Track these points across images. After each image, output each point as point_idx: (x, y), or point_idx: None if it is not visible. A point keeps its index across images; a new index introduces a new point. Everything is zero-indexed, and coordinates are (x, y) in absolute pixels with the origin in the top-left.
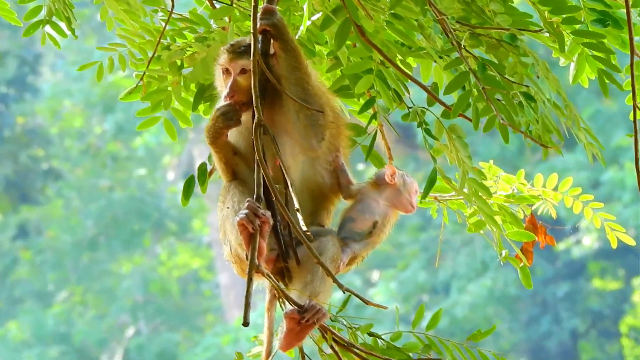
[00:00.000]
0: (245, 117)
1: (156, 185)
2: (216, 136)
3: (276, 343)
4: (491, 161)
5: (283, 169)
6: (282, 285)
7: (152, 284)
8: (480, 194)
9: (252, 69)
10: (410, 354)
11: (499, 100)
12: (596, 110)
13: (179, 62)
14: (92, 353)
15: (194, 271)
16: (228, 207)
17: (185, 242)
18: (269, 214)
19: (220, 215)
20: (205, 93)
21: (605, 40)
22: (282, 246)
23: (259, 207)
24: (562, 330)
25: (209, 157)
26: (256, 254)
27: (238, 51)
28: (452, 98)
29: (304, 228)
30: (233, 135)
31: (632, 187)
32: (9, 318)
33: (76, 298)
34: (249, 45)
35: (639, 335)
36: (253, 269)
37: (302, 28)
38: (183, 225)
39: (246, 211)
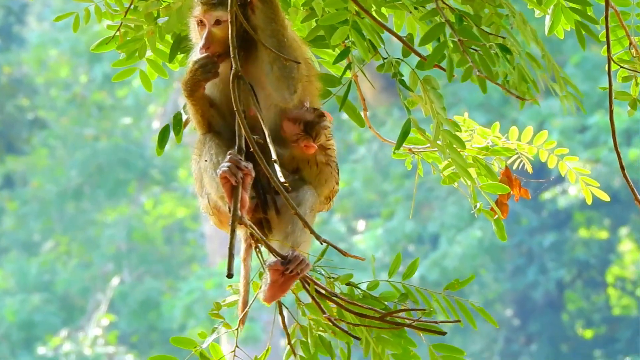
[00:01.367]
0: (221, 68)
1: (141, 134)
2: (194, 89)
3: (260, 295)
4: (466, 114)
5: (261, 120)
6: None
7: (136, 233)
8: (454, 145)
9: (229, 20)
10: (387, 303)
11: (475, 51)
12: (583, 56)
13: (155, 13)
14: (75, 301)
15: (179, 221)
16: (206, 160)
17: (170, 192)
18: (250, 166)
19: (196, 168)
20: (181, 44)
21: None
22: (262, 196)
23: (240, 159)
24: (548, 280)
25: (184, 107)
26: (239, 205)
27: (212, 2)
28: (426, 49)
29: (282, 179)
30: (208, 86)
31: (617, 130)
32: None
33: (61, 248)
34: None
35: (626, 285)
36: (236, 221)
37: None
38: (168, 175)
39: (228, 164)
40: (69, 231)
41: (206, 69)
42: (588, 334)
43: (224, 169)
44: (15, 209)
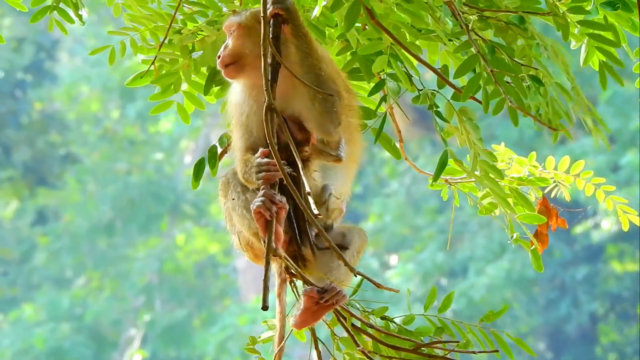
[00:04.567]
0: (258, 98)
1: (173, 169)
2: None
3: (290, 320)
4: (502, 144)
5: (294, 152)
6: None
7: (168, 268)
8: (491, 175)
9: (262, 52)
10: (423, 338)
11: (508, 82)
12: (614, 92)
13: (190, 46)
14: (108, 336)
15: (211, 256)
16: (233, 199)
17: (202, 227)
18: (284, 199)
19: (224, 208)
20: (216, 77)
21: (615, 24)
22: (295, 230)
23: (275, 193)
24: (581, 313)
25: (220, 140)
26: (273, 238)
27: (234, 14)
28: (460, 81)
29: (315, 211)
30: (245, 116)
31: None
32: (26, 301)
33: (94, 283)
34: (246, 10)
35: None
36: (270, 253)
37: (317, 11)
38: (200, 210)
39: (262, 198)
40: (101, 266)
41: (271, 170)
42: None
43: (258, 203)
44: (47, 244)
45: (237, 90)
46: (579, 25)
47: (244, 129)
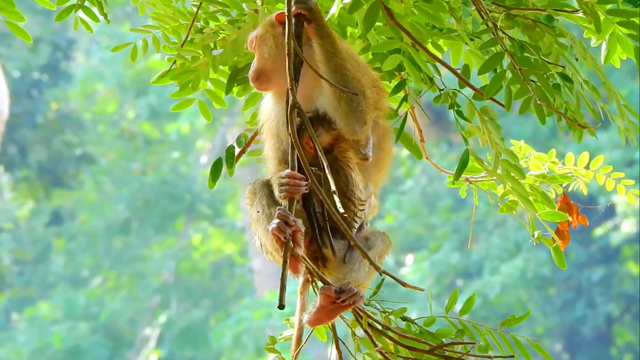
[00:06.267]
0: (280, 98)
1: (189, 169)
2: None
3: (304, 317)
4: (522, 141)
5: (319, 150)
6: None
7: (184, 268)
8: (513, 174)
9: (286, 52)
10: (444, 340)
11: (533, 81)
12: (630, 91)
13: (212, 45)
14: (124, 335)
15: (227, 256)
16: (258, 212)
17: (218, 227)
18: (300, 222)
19: (249, 214)
20: (238, 75)
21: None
22: (316, 230)
23: (289, 214)
24: (597, 314)
25: (238, 140)
26: (291, 244)
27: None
28: (481, 80)
29: (341, 210)
30: (274, 124)
31: None
32: (42, 300)
33: (110, 283)
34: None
35: None
36: (288, 252)
37: (334, 11)
38: (216, 210)
39: (277, 221)
40: (116, 266)
41: (296, 184)
42: None
43: (273, 226)
44: (63, 245)
45: (267, 99)
46: (605, 15)
47: (275, 138)
